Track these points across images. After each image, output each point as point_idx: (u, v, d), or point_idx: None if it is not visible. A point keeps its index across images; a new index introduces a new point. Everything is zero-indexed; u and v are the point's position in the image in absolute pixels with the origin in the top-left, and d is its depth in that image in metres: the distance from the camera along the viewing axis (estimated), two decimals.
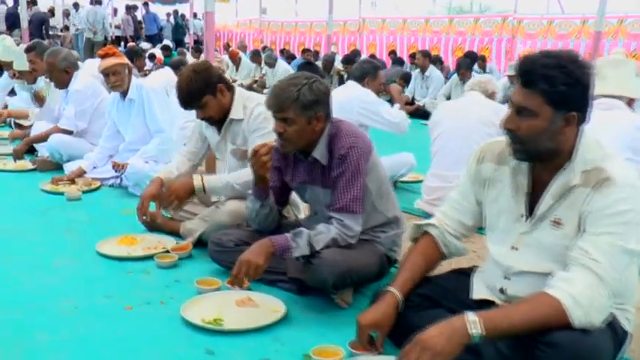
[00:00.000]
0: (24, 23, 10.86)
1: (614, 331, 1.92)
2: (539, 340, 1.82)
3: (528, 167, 2.12)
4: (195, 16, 21.86)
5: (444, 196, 4.02)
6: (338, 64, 12.55)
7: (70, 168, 5.06)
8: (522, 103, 1.97)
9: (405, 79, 10.56)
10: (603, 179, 1.91)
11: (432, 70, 10.45)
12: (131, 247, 3.44)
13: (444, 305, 2.28)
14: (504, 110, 4.12)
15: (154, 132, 4.77)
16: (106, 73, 4.67)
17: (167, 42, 17.70)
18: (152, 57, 13.96)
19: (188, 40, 21.11)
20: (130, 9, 20.29)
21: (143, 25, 20.61)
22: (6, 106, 7.32)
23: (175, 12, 22.00)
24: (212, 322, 2.50)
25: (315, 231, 2.62)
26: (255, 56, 13.44)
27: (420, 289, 2.30)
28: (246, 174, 3.34)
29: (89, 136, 5.40)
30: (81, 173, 4.89)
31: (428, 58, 10.52)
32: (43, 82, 6.17)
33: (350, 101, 4.48)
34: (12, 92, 7.63)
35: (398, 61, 13.57)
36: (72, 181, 4.80)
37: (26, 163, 5.43)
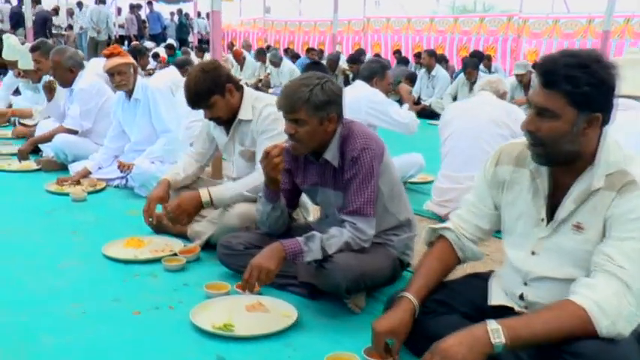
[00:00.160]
0: (28, 22, 10.81)
1: None
2: (563, 350, 1.76)
3: (548, 170, 2.06)
4: (199, 15, 21.81)
5: (455, 198, 4.02)
6: (343, 64, 12.49)
7: (75, 168, 5.01)
8: (544, 104, 1.91)
9: (411, 80, 10.49)
10: (628, 182, 1.85)
11: (438, 70, 10.38)
12: (138, 249, 3.39)
13: (460, 311, 2.23)
14: (516, 111, 4.13)
15: (160, 132, 4.72)
16: (111, 72, 4.63)
17: (171, 41, 17.65)
18: (156, 56, 13.93)
19: (192, 39, 21.07)
20: (134, 8, 20.25)
21: (147, 25, 20.57)
22: (10, 106, 7.29)
23: (179, 11, 21.96)
24: (222, 327, 2.45)
25: (327, 235, 2.56)
26: (260, 55, 13.39)
27: (436, 295, 2.24)
28: (254, 179, 3.29)
29: (94, 136, 5.35)
30: (86, 174, 4.84)
31: (434, 58, 10.46)
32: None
33: (358, 101, 4.42)
34: (16, 92, 7.59)
35: (403, 61, 13.51)
36: (77, 182, 4.75)
37: (31, 163, 5.39)
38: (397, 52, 15.85)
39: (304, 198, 3.19)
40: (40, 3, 17.38)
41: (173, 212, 3.23)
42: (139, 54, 9.58)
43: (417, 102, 10.07)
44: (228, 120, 3.39)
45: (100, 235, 3.66)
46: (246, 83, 11.55)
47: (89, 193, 4.58)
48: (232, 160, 3.54)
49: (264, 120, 3.33)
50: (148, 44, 16.74)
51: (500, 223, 2.27)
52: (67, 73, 5.23)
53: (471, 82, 9.29)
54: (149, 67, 11.55)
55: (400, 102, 5.54)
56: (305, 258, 2.52)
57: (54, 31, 18.13)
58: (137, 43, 15.42)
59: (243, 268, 2.82)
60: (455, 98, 9.51)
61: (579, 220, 1.96)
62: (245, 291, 2.52)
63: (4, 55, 6.96)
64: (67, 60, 5.18)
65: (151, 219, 3.54)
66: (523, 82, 8.59)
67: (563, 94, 1.86)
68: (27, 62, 6.08)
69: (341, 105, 2.68)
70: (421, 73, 10.69)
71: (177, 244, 3.44)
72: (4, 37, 7.51)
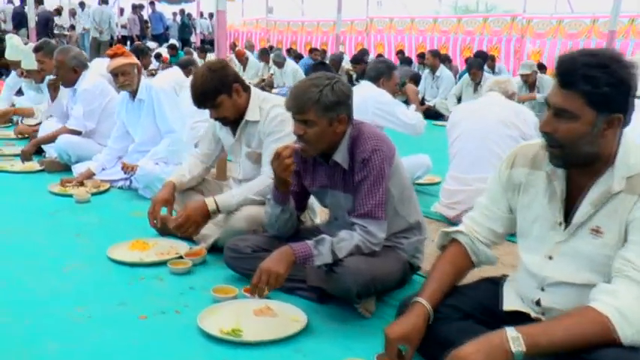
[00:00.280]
0: (31, 22, 10.77)
1: None
2: (583, 358, 1.71)
3: (564, 172, 2.01)
4: (201, 15, 21.78)
5: (464, 200, 3.97)
6: (346, 64, 12.45)
7: (78, 169, 4.97)
8: (562, 105, 1.86)
9: (415, 80, 10.43)
10: None
11: (443, 70, 10.33)
12: (143, 252, 3.34)
13: (474, 316, 2.18)
14: (525, 111, 4.07)
15: (165, 133, 4.67)
16: (115, 73, 4.58)
17: (173, 41, 17.62)
18: (158, 56, 13.90)
19: (194, 39, 21.03)
20: (137, 8, 20.22)
21: (149, 25, 20.54)
22: (13, 106, 7.24)
23: (182, 11, 21.93)
24: (231, 332, 2.40)
25: (337, 238, 2.51)
26: (264, 55, 13.34)
27: (449, 300, 2.19)
28: (260, 182, 3.24)
29: (97, 137, 5.31)
30: (90, 175, 4.80)
31: (438, 58, 10.41)
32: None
33: (365, 102, 4.37)
34: (19, 92, 7.55)
35: (406, 61, 13.47)
36: (80, 183, 4.70)
37: (34, 164, 5.34)
38: (400, 53, 15.81)
39: (312, 200, 3.14)
40: (42, 3, 17.36)
41: (182, 224, 3.17)
42: (141, 54, 9.52)
43: (422, 102, 10.00)
44: (234, 120, 3.34)
45: (104, 237, 3.61)
46: (250, 83, 11.52)
47: (93, 194, 4.53)
48: (239, 162, 3.50)
49: (272, 121, 3.28)
50: (151, 44, 16.71)
51: (515, 226, 2.22)
52: (70, 73, 5.19)
53: (476, 82, 9.23)
54: (151, 67, 11.52)
55: (407, 103, 5.47)
56: (315, 262, 2.47)
57: (56, 32, 18.09)
58: (139, 43, 15.38)
59: (250, 272, 2.77)
60: (459, 99, 9.45)
61: (598, 223, 1.91)
62: (254, 295, 2.46)
63: (7, 56, 6.91)
64: (71, 60, 5.13)
65: (155, 221, 3.49)
66: (528, 82, 8.54)
67: (581, 94, 1.81)
68: (30, 62, 6.04)
69: (351, 106, 2.63)
70: (425, 73, 10.64)
71: (182, 247, 3.39)
72: (7, 37, 7.46)
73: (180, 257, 3.24)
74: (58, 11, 20.39)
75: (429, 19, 18.03)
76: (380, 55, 15.57)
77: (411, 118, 4.56)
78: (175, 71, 7.95)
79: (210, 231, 3.34)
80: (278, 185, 2.69)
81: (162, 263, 3.18)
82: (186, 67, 7.96)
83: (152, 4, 20.88)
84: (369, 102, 4.42)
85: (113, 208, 4.32)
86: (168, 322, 2.57)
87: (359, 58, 10.75)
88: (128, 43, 18.07)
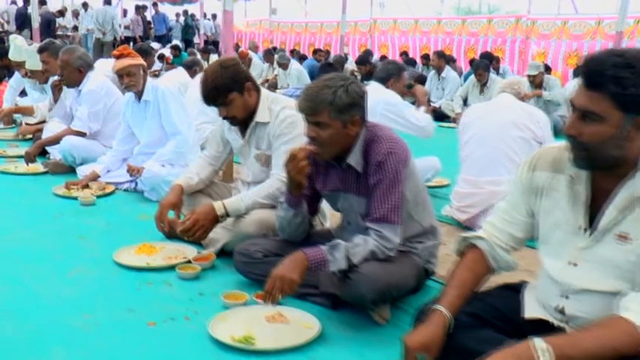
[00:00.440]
0: (35, 23, 10.73)
1: None
2: None
3: (588, 175, 1.94)
4: (205, 16, 21.75)
5: (476, 203, 3.91)
6: (350, 65, 12.39)
7: (83, 171, 4.91)
8: (588, 107, 1.79)
9: (420, 81, 10.37)
10: None
11: (448, 72, 10.27)
12: (150, 256, 3.28)
13: (494, 324, 2.11)
14: (538, 113, 4.01)
15: (171, 134, 4.60)
16: (120, 74, 4.52)
17: (176, 42, 17.58)
18: (161, 57, 13.83)
19: (198, 40, 20.99)
20: (140, 9, 20.21)
21: (152, 26, 20.52)
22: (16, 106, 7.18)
23: (185, 12, 21.90)
24: (243, 340, 2.33)
25: (352, 243, 2.45)
26: (268, 55, 13.28)
27: (468, 308, 2.11)
28: (269, 185, 3.18)
29: (102, 138, 5.26)
30: (95, 177, 4.73)
31: (443, 59, 10.35)
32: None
33: (374, 103, 4.28)
34: (22, 93, 7.49)
35: (410, 62, 13.41)
36: (85, 185, 4.64)
37: (38, 166, 5.28)
38: (404, 54, 15.75)
39: (322, 203, 3.07)
40: (45, 4, 17.33)
41: (190, 228, 3.11)
42: (144, 54, 9.43)
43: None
44: (243, 120, 3.28)
45: (110, 240, 3.56)
46: None
47: (98, 196, 4.47)
48: (247, 164, 3.43)
49: (281, 123, 3.22)
50: (154, 45, 16.66)
51: (535, 231, 2.16)
52: (75, 74, 5.14)
53: (482, 83, 9.18)
54: (154, 68, 11.46)
55: (413, 103, 5.40)
56: (329, 268, 2.40)
57: (59, 33, 18.07)
58: (142, 43, 15.33)
59: (261, 277, 2.72)
60: (465, 100, 9.39)
61: (624, 229, 1.84)
62: (267, 302, 2.39)
63: (10, 56, 6.88)
64: (76, 60, 5.08)
65: (162, 225, 3.42)
66: (535, 83, 8.47)
67: (609, 96, 1.74)
68: (34, 63, 5.98)
69: (365, 107, 2.57)
70: (431, 74, 10.58)
71: (190, 251, 3.32)
72: (11, 37, 7.43)
73: (189, 262, 3.17)
74: (61, 12, 20.37)
75: (433, 20, 17.97)
76: (384, 57, 15.51)
77: (420, 120, 4.49)
78: (180, 72, 7.90)
79: (219, 235, 3.26)
80: (291, 188, 2.63)
81: (170, 268, 3.12)
82: (191, 67, 7.91)
83: (155, 5, 20.89)
84: (377, 103, 4.34)
85: (118, 210, 4.26)
86: (177, 329, 2.51)
87: (364, 59, 10.69)
88: (131, 44, 18.05)
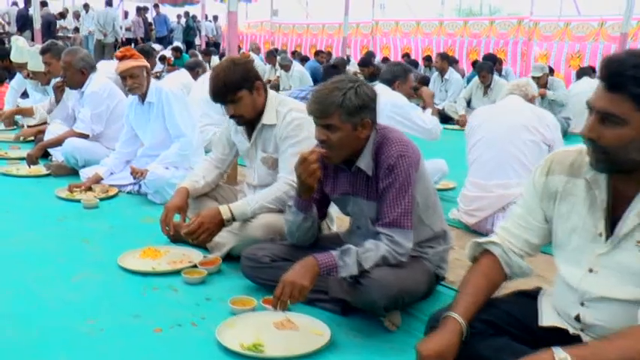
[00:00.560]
0: (37, 24, 10.69)
1: None
2: None
3: (606, 179, 1.89)
4: (206, 17, 21.72)
5: (484, 206, 3.86)
6: (352, 67, 12.34)
7: (86, 174, 4.86)
8: (608, 109, 1.74)
9: (423, 83, 10.32)
10: None
11: (452, 73, 10.22)
12: (155, 260, 3.23)
13: (509, 332, 2.06)
14: (547, 115, 3.96)
15: (175, 137, 4.55)
16: (124, 75, 4.47)
17: (177, 44, 17.54)
18: (162, 59, 13.81)
19: (199, 42, 20.96)
20: (141, 10, 20.17)
21: (153, 27, 20.48)
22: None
23: (186, 14, 21.86)
24: (252, 347, 2.28)
25: (363, 248, 2.40)
26: (270, 57, 13.24)
27: (483, 315, 2.06)
28: (276, 189, 3.13)
29: (105, 140, 5.21)
30: (98, 180, 4.69)
31: (447, 61, 10.30)
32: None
33: (380, 105, 4.24)
34: (24, 94, 7.45)
35: (412, 64, 13.36)
36: (88, 188, 4.59)
37: (40, 168, 5.23)
38: (406, 56, 15.71)
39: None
40: (46, 5, 17.30)
41: (194, 231, 3.05)
42: (146, 55, 9.39)
43: None
44: (250, 120, 3.23)
45: (113, 244, 3.51)
46: None
47: (101, 199, 4.42)
48: (254, 167, 3.38)
49: (288, 125, 3.17)
50: (155, 47, 16.63)
51: (551, 236, 2.11)
52: (77, 75, 5.09)
53: (486, 85, 9.14)
54: (156, 69, 11.42)
55: (420, 105, 5.36)
56: (340, 273, 2.35)
57: (60, 34, 18.04)
58: (144, 44, 15.29)
59: (269, 282, 2.68)
60: (469, 102, 9.35)
61: None
62: (276, 309, 2.33)
63: (12, 57, 6.84)
64: (79, 61, 5.04)
65: (167, 228, 3.37)
66: (540, 85, 8.41)
67: (629, 97, 1.70)
68: (37, 64, 5.94)
69: (375, 110, 2.53)
70: (434, 76, 10.53)
71: (196, 255, 3.27)
72: (13, 39, 7.38)
73: (194, 266, 3.13)
74: (62, 15, 20.33)
75: (435, 22, 17.94)
76: (386, 59, 15.49)
77: (427, 122, 4.44)
78: (182, 74, 7.87)
79: (225, 239, 3.21)
80: (301, 192, 2.58)
81: (175, 272, 3.07)
82: (194, 69, 7.87)
83: (156, 6, 20.84)
84: (384, 105, 4.28)
85: (122, 213, 4.21)
86: (184, 336, 2.46)
87: (367, 61, 10.63)
88: (132, 45, 18.01)
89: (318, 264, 2.34)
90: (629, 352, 1.61)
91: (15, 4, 19.31)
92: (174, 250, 3.36)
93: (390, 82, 4.51)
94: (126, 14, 22.25)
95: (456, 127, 8.98)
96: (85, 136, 5.12)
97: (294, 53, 16.89)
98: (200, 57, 13.52)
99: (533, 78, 8.39)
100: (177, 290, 2.91)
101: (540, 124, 3.80)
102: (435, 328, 2.03)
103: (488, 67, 9.15)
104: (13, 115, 6.82)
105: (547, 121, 3.84)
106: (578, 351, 1.64)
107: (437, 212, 2.72)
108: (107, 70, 6.02)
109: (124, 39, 18.24)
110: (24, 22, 15.90)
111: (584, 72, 9.66)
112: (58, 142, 5.19)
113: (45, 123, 6.20)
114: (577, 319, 1.95)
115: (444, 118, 9.25)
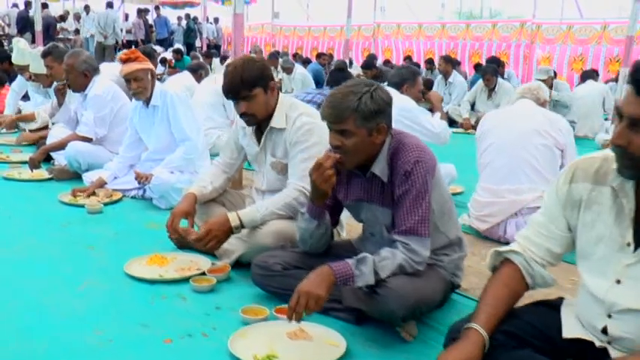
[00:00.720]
0: (38, 26, 10.63)
1: None
2: None
3: (634, 187, 1.83)
4: (207, 19, 21.68)
5: (495, 212, 3.79)
6: (354, 70, 12.28)
7: (89, 178, 4.80)
8: (639, 114, 1.68)
9: (427, 86, 10.27)
10: None
11: (455, 76, 10.18)
12: (162, 267, 3.16)
13: (532, 344, 2.00)
14: (559, 119, 3.89)
15: (180, 140, 4.48)
16: (128, 78, 4.40)
17: (178, 46, 17.50)
18: (163, 61, 13.74)
19: (199, 44, 20.91)
20: (142, 12, 20.14)
21: (154, 29, 20.44)
22: (19, 111, 7.09)
23: (187, 15, 21.84)
24: (266, 359, 2.22)
25: (379, 257, 2.33)
26: (273, 59, 13.18)
27: (504, 326, 2.00)
28: (285, 196, 3.06)
29: (109, 144, 5.15)
30: (101, 184, 4.62)
31: (450, 64, 10.25)
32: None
33: None
34: (25, 97, 7.39)
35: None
36: (92, 193, 4.52)
37: (43, 172, 5.16)
38: (408, 58, 15.66)
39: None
40: (47, 7, 17.26)
41: (202, 237, 2.98)
42: (147, 57, 9.34)
43: None
44: (260, 121, 3.16)
45: (119, 250, 3.44)
46: None
47: (105, 204, 4.35)
48: (263, 172, 3.31)
49: (298, 130, 3.10)
50: (156, 49, 16.58)
51: (573, 246, 2.04)
52: (80, 78, 5.03)
53: (490, 88, 9.09)
54: (157, 71, 11.34)
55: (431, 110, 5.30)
56: (356, 283, 2.29)
57: (61, 36, 17.99)
58: (145, 46, 15.25)
59: (280, 290, 2.62)
60: (473, 105, 9.30)
61: None
62: (291, 320, 2.26)
63: (14, 60, 6.79)
64: (81, 64, 4.98)
65: (175, 235, 3.30)
66: None
67: None
68: (38, 66, 5.88)
69: (391, 114, 2.47)
70: (438, 79, 10.48)
71: (204, 262, 3.20)
72: (14, 40, 7.33)
73: (203, 273, 3.06)
74: (63, 17, 20.28)
75: (437, 24, 17.92)
76: (387, 61, 15.44)
77: (436, 126, 4.38)
78: (185, 76, 7.80)
79: (234, 246, 3.13)
80: (315, 198, 2.51)
81: (183, 280, 3.00)
82: (197, 71, 7.81)
83: (157, 8, 20.80)
84: (393, 109, 4.23)
85: (127, 219, 4.14)
86: (195, 347, 2.39)
87: (370, 64, 10.57)
88: (133, 47, 17.96)
89: (334, 273, 2.27)
90: None
91: (15, 5, 19.26)
92: (182, 257, 3.29)
93: (398, 86, 4.45)
94: (126, 16, 22.26)
95: (460, 130, 8.94)
96: (88, 140, 5.04)
97: (295, 56, 16.84)
98: (201, 59, 13.48)
99: (539, 80, 8.35)
100: (185, 299, 2.84)
101: (552, 128, 3.74)
102: (456, 339, 1.97)
103: (492, 70, 9.10)
104: (14, 122, 6.75)
105: (559, 125, 3.77)
106: None
107: (452, 219, 2.67)
108: (110, 72, 5.97)
109: (124, 41, 18.21)
110: (24, 24, 15.87)
111: (588, 75, 9.62)
112: (60, 146, 5.12)
113: (47, 127, 6.14)
114: (604, 331, 1.88)
115: (448, 122, 9.19)
